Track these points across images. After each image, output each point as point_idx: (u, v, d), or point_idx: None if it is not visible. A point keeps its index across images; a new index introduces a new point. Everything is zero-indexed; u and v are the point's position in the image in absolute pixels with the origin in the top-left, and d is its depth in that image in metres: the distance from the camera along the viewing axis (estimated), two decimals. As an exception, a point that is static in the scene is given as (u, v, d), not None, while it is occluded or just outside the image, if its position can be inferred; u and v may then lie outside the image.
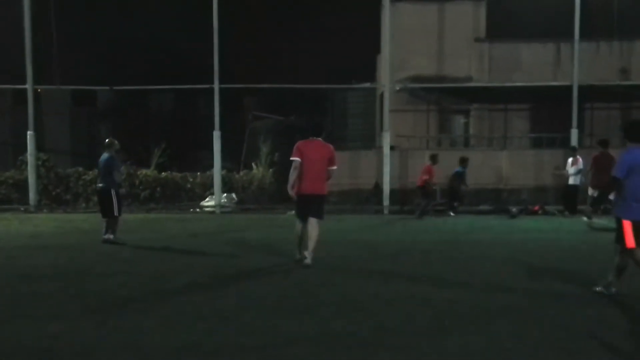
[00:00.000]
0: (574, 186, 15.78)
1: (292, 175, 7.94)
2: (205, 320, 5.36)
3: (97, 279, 7.34)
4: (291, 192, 8.03)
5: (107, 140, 10.96)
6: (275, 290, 6.62)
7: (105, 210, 10.59)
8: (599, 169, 12.80)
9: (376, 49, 20.08)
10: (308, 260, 7.93)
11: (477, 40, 19.98)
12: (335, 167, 8.17)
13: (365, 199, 18.44)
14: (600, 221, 13.20)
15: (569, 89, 17.63)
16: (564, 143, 17.73)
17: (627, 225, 5.98)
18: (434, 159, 15.87)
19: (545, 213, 16.34)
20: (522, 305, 5.90)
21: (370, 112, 20.43)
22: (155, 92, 20.67)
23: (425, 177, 15.60)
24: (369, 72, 21.15)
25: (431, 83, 19.49)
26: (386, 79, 18.50)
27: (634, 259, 6.02)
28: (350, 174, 18.68)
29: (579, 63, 17.51)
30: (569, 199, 15.83)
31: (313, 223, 8.03)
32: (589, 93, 18.15)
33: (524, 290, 6.59)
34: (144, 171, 18.57)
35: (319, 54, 21.83)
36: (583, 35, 17.60)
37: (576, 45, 17.42)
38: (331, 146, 8.26)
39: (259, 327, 5.14)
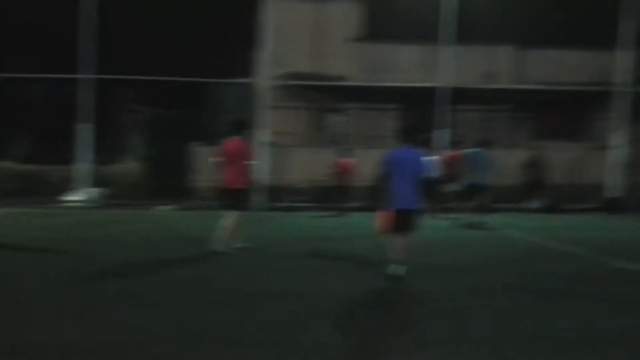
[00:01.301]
0: (441, 184, 18.05)
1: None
2: (61, 319, 5.63)
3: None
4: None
5: None
6: (141, 287, 7.10)
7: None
8: (449, 166, 15.13)
9: (255, 44, 21.55)
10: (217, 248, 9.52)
11: (354, 39, 21.44)
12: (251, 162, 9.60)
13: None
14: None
15: (438, 90, 20.00)
16: (434, 143, 19.97)
17: (388, 214, 7.77)
18: (343, 153, 17.31)
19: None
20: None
21: (248, 108, 21.80)
22: (21, 81, 20.99)
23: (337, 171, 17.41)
24: (248, 67, 22.57)
25: (309, 81, 20.69)
26: (263, 75, 20.10)
27: (386, 242, 7.91)
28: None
29: (447, 66, 19.86)
30: (436, 195, 18.01)
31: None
32: (457, 95, 20.30)
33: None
34: (2, 164, 18.97)
35: (198, 47, 22.94)
36: (452, 40, 19.93)
37: (445, 49, 19.72)
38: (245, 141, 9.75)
39: (122, 326, 5.45)
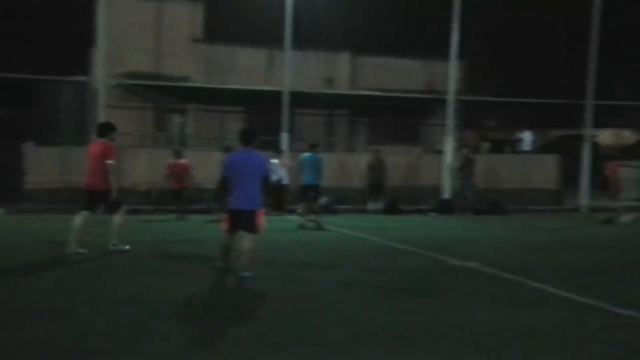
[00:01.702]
0: (283, 185, 19.01)
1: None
2: None
3: None
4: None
5: None
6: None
7: None
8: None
9: (90, 41, 21.37)
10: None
11: (195, 40, 22.15)
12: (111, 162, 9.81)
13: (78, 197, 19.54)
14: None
15: (280, 94, 20.90)
16: (276, 146, 20.84)
17: (228, 214, 8.30)
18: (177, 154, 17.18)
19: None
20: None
21: (84, 108, 21.63)
22: None
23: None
24: (84, 65, 22.33)
25: (148, 80, 20.97)
26: (100, 74, 19.99)
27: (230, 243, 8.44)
28: (62, 171, 19.69)
29: (289, 70, 20.81)
30: (277, 197, 18.86)
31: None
32: (298, 99, 21.48)
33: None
34: None
35: (32, 43, 22.47)
36: (293, 45, 20.89)
37: (287, 54, 20.65)
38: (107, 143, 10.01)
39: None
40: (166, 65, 21.68)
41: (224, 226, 8.49)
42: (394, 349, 5.16)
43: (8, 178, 18.68)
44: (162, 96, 22.04)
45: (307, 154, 15.51)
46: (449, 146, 21.07)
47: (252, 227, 8.18)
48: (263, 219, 8.54)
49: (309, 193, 15.12)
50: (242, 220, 8.16)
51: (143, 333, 5.48)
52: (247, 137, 8.47)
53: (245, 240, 8.21)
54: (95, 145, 10.03)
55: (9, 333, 5.43)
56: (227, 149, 14.61)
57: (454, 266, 9.46)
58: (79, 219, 9.83)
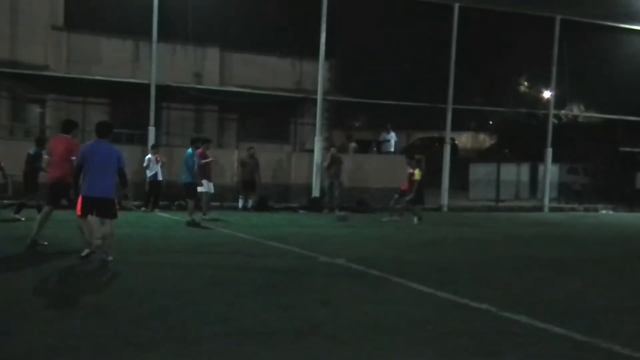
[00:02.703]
0: (159, 182, 18.56)
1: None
2: None
3: None
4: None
5: None
6: None
7: None
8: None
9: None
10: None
11: (55, 28, 21.09)
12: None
13: None
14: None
15: (147, 87, 20.31)
16: (142, 140, 20.32)
17: (82, 200, 8.83)
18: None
19: (123, 208, 18.50)
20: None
21: None
22: None
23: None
24: None
25: (3, 67, 19.72)
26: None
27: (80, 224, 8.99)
28: None
29: (156, 63, 20.33)
30: (153, 193, 18.40)
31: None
32: (166, 93, 20.90)
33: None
34: None
35: None
36: (161, 37, 20.40)
37: (154, 46, 19.89)
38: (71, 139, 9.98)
39: None
40: (23, 52, 20.51)
41: (79, 210, 8.92)
42: (263, 345, 5.19)
43: None
44: (20, 85, 20.88)
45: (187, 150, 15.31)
46: (318, 145, 21.47)
47: (108, 214, 8.85)
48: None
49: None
50: (97, 207, 8.80)
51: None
52: (103, 130, 9.14)
53: (105, 226, 8.80)
54: (60, 140, 10.13)
55: None
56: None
57: (321, 262, 9.66)
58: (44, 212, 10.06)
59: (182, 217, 15.31)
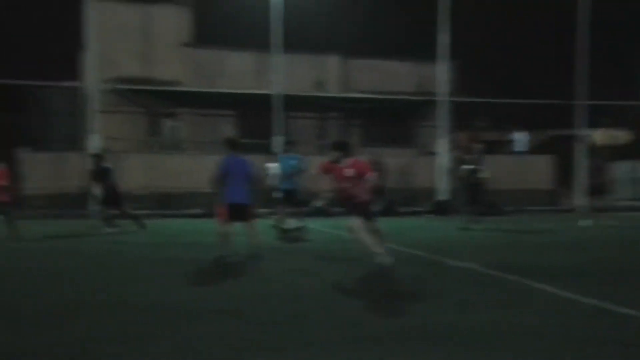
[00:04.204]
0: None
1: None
2: None
3: None
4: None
5: None
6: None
7: None
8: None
9: (80, 46, 21.35)
10: None
11: (184, 45, 22.42)
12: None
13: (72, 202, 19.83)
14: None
15: (271, 97, 21.26)
16: (268, 149, 21.12)
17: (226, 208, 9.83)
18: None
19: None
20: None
21: (76, 112, 21.93)
22: None
23: None
24: (75, 69, 22.65)
25: (138, 85, 21.24)
26: (92, 79, 20.38)
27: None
28: (56, 176, 20.07)
29: (279, 73, 21.17)
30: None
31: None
32: (289, 102, 21.41)
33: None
34: None
35: (18, 48, 22.67)
36: (282, 48, 20.98)
37: (276, 57, 21.00)
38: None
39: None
40: (156, 69, 21.95)
41: (221, 218, 9.91)
42: (393, 350, 5.20)
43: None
44: (153, 101, 22.33)
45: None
46: (442, 148, 21.48)
47: (248, 217, 9.97)
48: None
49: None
50: (238, 212, 9.81)
51: (144, 337, 5.51)
52: (235, 144, 10.27)
53: (250, 228, 10.05)
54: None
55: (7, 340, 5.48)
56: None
57: (453, 267, 9.55)
58: None
59: (308, 223, 15.48)
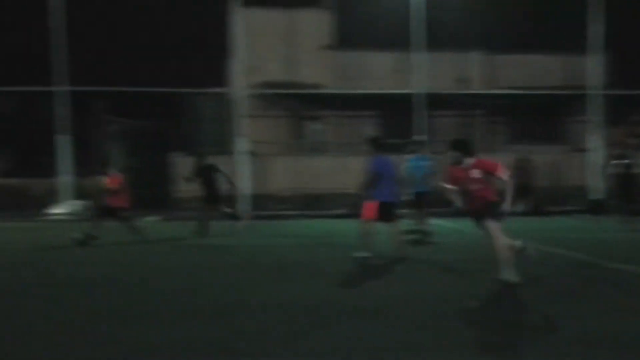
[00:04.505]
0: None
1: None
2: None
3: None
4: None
5: None
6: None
7: None
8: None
9: (227, 53, 22.29)
10: None
11: (327, 47, 22.75)
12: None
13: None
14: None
15: (412, 96, 21.16)
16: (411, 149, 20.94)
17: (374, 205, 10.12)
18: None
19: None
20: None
21: (223, 117, 22.89)
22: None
23: None
24: (221, 76, 23.58)
25: (283, 89, 21.80)
26: (238, 84, 21.26)
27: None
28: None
29: (421, 72, 21.06)
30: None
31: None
32: (432, 101, 21.26)
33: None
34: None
35: (171, 57, 23.95)
36: (424, 46, 21.12)
37: (418, 55, 20.92)
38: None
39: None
40: (299, 73, 22.43)
41: (366, 216, 10.13)
42: (548, 356, 5.07)
43: (160, 187, 20.15)
44: (297, 104, 22.84)
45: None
46: (595, 144, 20.48)
47: (393, 216, 10.33)
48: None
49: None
50: (387, 210, 10.14)
51: (292, 336, 5.65)
52: (380, 145, 10.47)
53: (394, 228, 10.40)
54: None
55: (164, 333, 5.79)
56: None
57: (610, 269, 9.17)
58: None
59: (455, 223, 15.36)
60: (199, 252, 11.78)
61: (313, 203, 21.09)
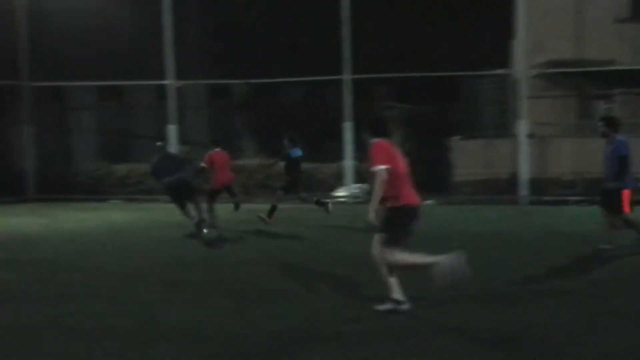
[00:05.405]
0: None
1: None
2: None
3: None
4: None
5: None
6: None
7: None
8: None
9: (509, 33, 21.69)
10: None
11: (618, 20, 21.22)
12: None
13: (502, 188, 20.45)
14: None
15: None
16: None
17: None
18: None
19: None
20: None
21: (504, 100, 22.37)
22: (286, 84, 23.83)
23: None
24: (502, 57, 22.92)
25: (569, 67, 20.68)
26: (521, 65, 20.61)
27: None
28: (485, 163, 20.89)
29: None
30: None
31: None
32: None
33: None
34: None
35: (450, 40, 23.95)
36: None
37: None
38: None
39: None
40: (588, 49, 21.09)
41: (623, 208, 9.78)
42: None
43: (438, 171, 20.48)
44: (585, 82, 21.57)
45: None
46: None
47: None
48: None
49: None
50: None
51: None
52: (616, 125, 10.33)
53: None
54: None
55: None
56: None
57: None
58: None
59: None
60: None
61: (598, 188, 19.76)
